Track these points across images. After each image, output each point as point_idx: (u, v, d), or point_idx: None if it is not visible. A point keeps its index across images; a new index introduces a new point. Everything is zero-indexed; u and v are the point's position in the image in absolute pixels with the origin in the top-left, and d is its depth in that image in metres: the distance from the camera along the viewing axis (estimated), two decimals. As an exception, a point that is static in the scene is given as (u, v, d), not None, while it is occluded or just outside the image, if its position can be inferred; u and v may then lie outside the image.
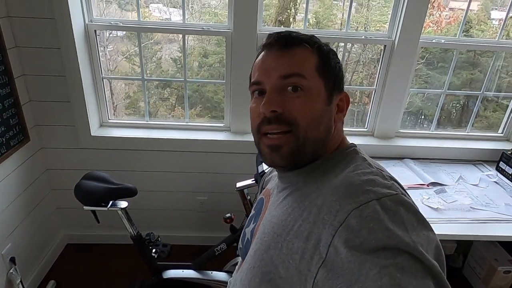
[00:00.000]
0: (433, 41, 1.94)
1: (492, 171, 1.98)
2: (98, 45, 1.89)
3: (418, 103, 2.90)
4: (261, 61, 0.66)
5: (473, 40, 2.02)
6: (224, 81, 1.99)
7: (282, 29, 1.56)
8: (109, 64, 2.50)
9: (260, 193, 0.89)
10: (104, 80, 1.98)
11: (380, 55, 1.99)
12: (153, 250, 1.66)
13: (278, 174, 0.74)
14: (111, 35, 2.47)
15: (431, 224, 0.54)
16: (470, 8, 1.91)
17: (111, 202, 1.45)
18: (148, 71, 2.39)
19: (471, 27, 2.56)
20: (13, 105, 1.70)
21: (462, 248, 2.07)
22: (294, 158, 0.64)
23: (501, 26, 1.94)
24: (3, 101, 1.63)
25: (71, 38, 1.71)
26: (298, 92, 0.62)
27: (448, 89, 2.10)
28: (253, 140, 0.69)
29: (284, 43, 0.64)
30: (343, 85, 0.70)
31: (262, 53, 0.67)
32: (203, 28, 1.86)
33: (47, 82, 1.81)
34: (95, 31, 1.83)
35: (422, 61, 3.25)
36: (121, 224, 1.54)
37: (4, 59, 1.62)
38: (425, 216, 0.55)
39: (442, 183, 1.83)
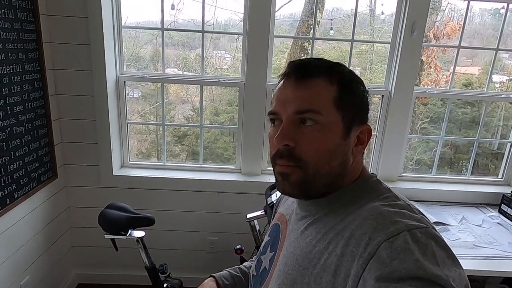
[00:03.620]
0: (427, 91, 2.14)
1: (495, 213, 2.04)
2: (126, 94, 2.14)
3: (422, 154, 3.04)
4: (279, 91, 0.65)
5: (461, 91, 2.22)
6: (237, 126, 2.18)
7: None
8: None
9: (273, 218, 0.89)
10: (128, 125, 2.20)
11: (379, 105, 2.18)
12: (165, 285, 1.71)
13: (297, 201, 0.72)
14: (127, 97, 2.75)
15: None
16: (471, 72, 2.13)
17: (130, 231, 1.55)
18: (161, 128, 2.59)
19: (472, 89, 2.80)
20: (47, 145, 1.89)
21: (474, 295, 2.04)
22: (303, 188, 0.63)
23: (490, 72, 2.15)
24: (40, 140, 1.83)
25: (104, 88, 1.96)
26: (312, 126, 0.61)
27: (448, 140, 2.25)
28: (261, 181, 0.76)
29: (301, 73, 0.62)
30: (366, 116, 0.66)
31: (282, 81, 0.65)
32: (219, 80, 2.11)
33: (78, 125, 2.03)
34: (124, 81, 2.09)
35: (427, 120, 3.47)
36: (130, 263, 1.60)
37: (45, 105, 1.85)
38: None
39: (446, 223, 1.89)
